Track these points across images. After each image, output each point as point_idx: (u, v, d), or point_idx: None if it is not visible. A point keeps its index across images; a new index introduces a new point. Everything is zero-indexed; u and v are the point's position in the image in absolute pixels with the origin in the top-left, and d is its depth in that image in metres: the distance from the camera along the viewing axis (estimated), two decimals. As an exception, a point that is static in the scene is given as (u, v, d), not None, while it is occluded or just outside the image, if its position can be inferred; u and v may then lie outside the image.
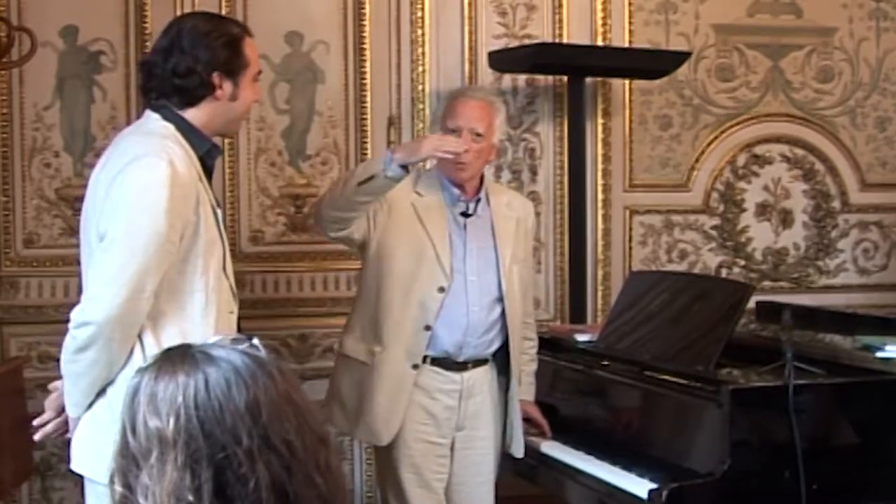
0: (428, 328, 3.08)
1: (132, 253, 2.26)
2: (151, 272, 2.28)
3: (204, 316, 2.38)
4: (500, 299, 3.16)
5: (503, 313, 3.17)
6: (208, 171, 2.49)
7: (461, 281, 3.11)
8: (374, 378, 3.09)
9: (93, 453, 2.36)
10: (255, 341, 1.34)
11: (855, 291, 4.76)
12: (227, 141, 4.09)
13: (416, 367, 3.09)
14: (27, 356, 3.97)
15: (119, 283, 2.26)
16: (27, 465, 3.55)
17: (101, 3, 4.06)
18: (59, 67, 4.04)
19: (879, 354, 3.18)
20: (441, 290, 3.08)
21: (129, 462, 1.26)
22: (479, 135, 3.08)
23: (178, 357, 1.29)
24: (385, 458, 3.17)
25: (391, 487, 3.17)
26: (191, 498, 1.22)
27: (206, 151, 2.48)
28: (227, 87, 2.46)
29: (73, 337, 2.30)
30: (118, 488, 1.26)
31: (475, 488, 3.23)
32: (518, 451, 3.27)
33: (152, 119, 2.47)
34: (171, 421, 1.24)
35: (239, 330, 2.52)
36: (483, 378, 3.19)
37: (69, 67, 4.05)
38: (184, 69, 2.43)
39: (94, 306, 2.27)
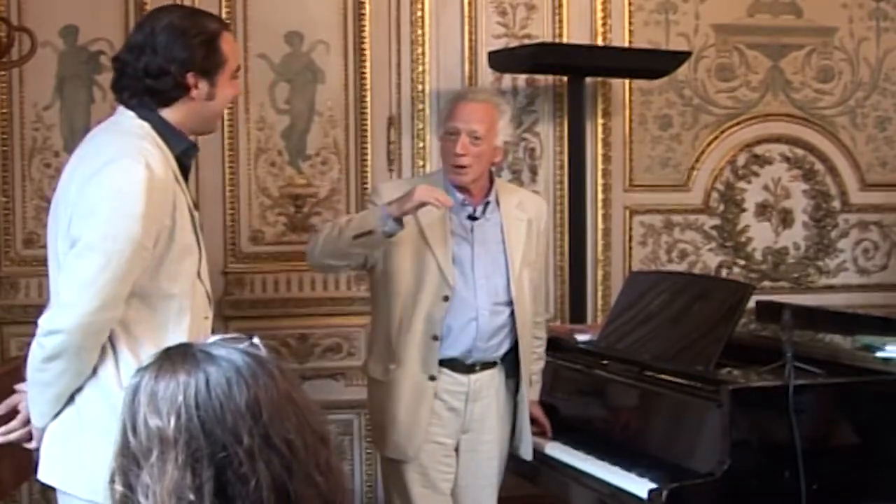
0: (435, 338, 3.07)
1: (108, 259, 2.17)
2: (125, 279, 2.19)
3: (177, 322, 2.29)
4: (510, 303, 3.15)
5: (512, 316, 3.16)
6: (185, 171, 2.39)
7: (470, 285, 3.10)
8: (392, 395, 3.10)
9: (62, 463, 2.27)
10: (256, 340, 1.34)
11: (855, 291, 4.76)
12: (227, 141, 4.10)
13: (433, 378, 3.09)
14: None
15: (94, 290, 2.16)
16: (27, 466, 3.53)
17: (101, 3, 4.05)
18: (59, 67, 4.04)
19: (879, 354, 3.17)
20: (445, 298, 3.07)
21: (129, 461, 1.26)
22: (477, 137, 3.04)
23: (179, 356, 1.29)
24: (391, 460, 3.17)
25: (397, 489, 3.17)
26: (191, 497, 1.22)
27: (183, 151, 2.38)
28: (203, 86, 2.35)
29: (41, 345, 2.20)
30: (119, 488, 1.26)
31: (479, 491, 3.22)
32: (527, 453, 3.27)
33: (127, 117, 2.37)
34: (172, 420, 1.23)
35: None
36: (490, 381, 3.18)
37: (69, 67, 4.05)
38: (156, 69, 2.32)
39: (66, 314, 2.17)
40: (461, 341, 3.10)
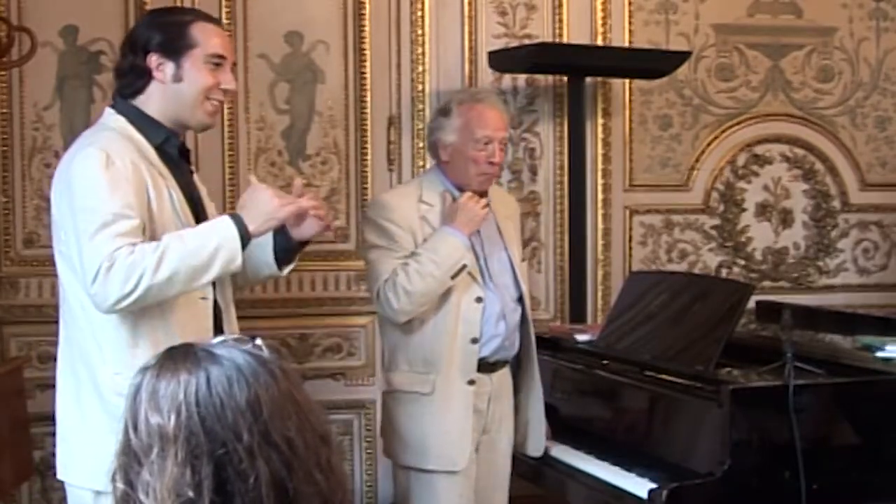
0: (475, 341, 3.05)
1: (92, 221, 2.23)
2: (118, 224, 2.23)
3: (170, 304, 2.33)
4: (519, 298, 3.17)
5: (523, 311, 3.18)
6: (173, 160, 2.43)
7: (491, 287, 3.11)
8: (437, 405, 3.03)
9: (79, 458, 2.35)
10: (259, 342, 1.34)
11: (855, 291, 4.76)
12: (227, 141, 4.10)
13: (471, 382, 3.05)
14: (27, 356, 3.96)
15: (95, 246, 2.21)
16: (27, 465, 3.55)
17: (101, 3, 4.05)
18: (59, 67, 4.04)
19: (879, 354, 3.18)
20: (479, 300, 3.05)
21: (130, 459, 1.26)
22: (505, 143, 3.14)
23: (181, 356, 1.29)
24: (421, 472, 3.08)
25: (421, 497, 3.09)
26: (191, 493, 1.22)
27: (165, 140, 2.42)
28: (168, 68, 2.39)
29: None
30: (120, 486, 1.27)
31: (495, 489, 3.21)
32: (536, 450, 3.27)
33: (106, 114, 2.45)
34: (172, 417, 1.24)
35: (216, 318, 2.48)
36: (506, 380, 3.20)
37: (69, 67, 4.05)
38: (122, 58, 2.43)
39: (96, 290, 2.23)
40: (494, 341, 3.10)
